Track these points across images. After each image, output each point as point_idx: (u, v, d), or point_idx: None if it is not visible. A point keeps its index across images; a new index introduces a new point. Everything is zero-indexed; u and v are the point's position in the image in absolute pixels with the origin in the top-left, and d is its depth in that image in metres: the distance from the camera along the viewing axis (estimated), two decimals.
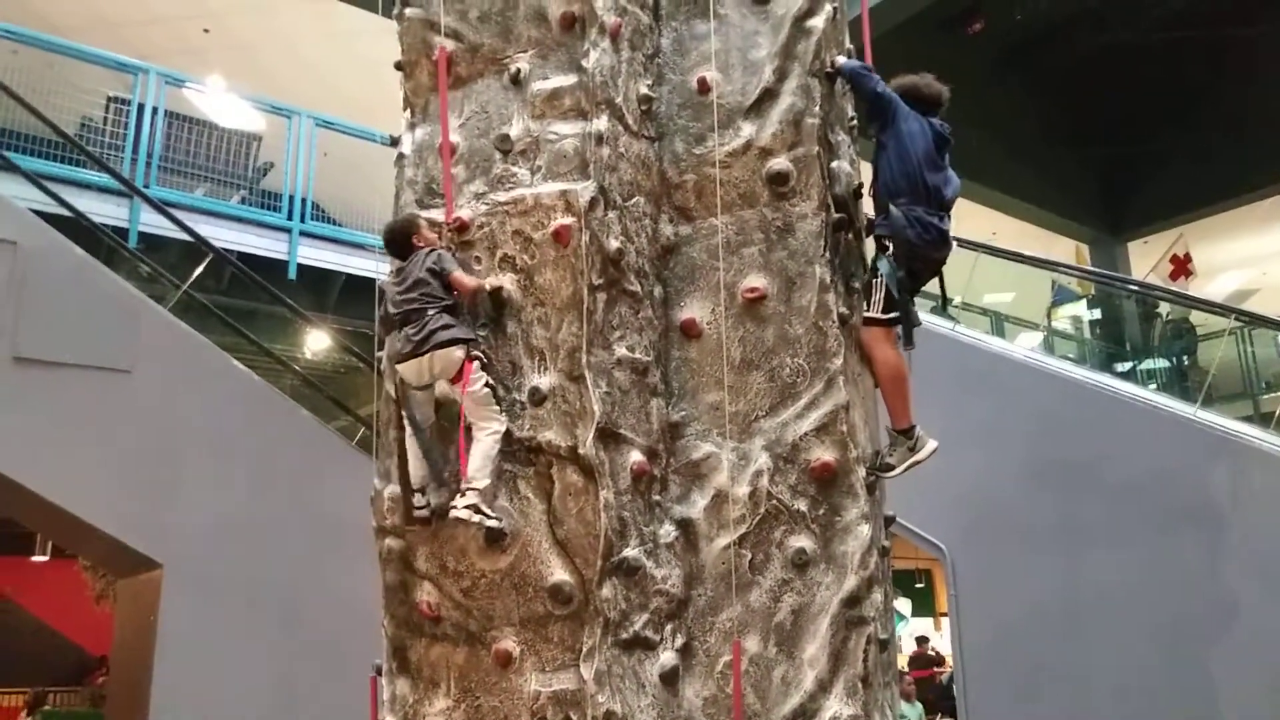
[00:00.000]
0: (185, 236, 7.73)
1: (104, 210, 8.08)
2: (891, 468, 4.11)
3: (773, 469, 3.98)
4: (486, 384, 3.81)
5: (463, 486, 3.74)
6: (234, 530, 6.37)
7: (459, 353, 3.79)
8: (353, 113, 10.47)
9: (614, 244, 3.96)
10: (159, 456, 6.24)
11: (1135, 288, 13.20)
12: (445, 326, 3.81)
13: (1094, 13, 14.22)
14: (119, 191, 8.21)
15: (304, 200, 9.42)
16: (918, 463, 4.08)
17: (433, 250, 3.98)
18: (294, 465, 6.74)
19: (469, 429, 3.83)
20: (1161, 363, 12.48)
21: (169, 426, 6.31)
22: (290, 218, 9.31)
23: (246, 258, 8.54)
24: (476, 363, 3.79)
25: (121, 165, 8.50)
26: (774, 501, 3.96)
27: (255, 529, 6.45)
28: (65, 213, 7.36)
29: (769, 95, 4.25)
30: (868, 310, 4.20)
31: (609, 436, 3.81)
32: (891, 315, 4.15)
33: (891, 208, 4.14)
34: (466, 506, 3.68)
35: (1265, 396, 10.86)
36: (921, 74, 4.37)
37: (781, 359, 4.08)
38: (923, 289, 4.45)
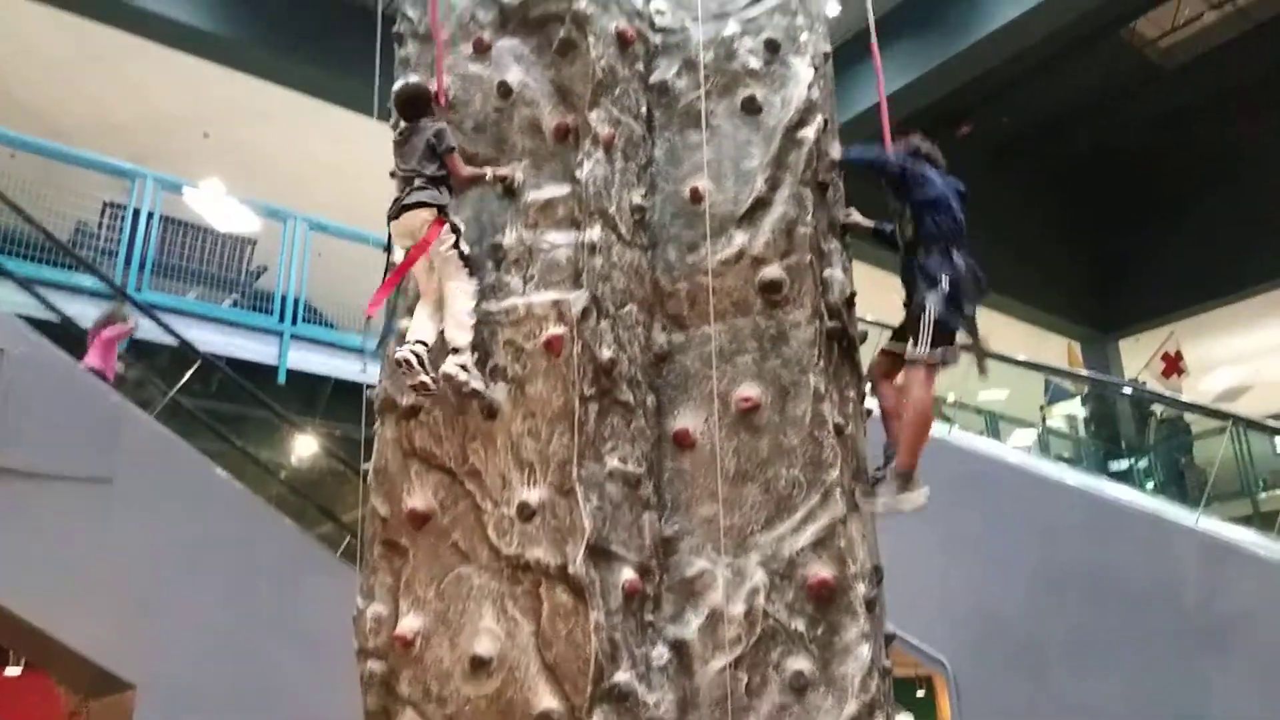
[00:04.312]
0: (175, 341, 7.69)
1: (96, 315, 8.03)
2: (879, 497, 4.08)
3: (769, 586, 3.83)
4: (456, 248, 3.95)
5: (449, 347, 3.85)
6: (211, 649, 6.12)
7: (426, 214, 3.93)
8: (350, 212, 10.55)
9: (606, 353, 3.90)
10: (136, 569, 6.04)
11: (1129, 390, 13.20)
12: (420, 190, 3.98)
13: (1082, 115, 14.55)
14: (111, 296, 8.17)
15: (296, 302, 9.40)
16: (896, 510, 4.06)
17: (435, 126, 4.10)
18: (275, 579, 6.53)
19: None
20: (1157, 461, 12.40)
21: (148, 538, 6.13)
22: (281, 321, 9.27)
23: (236, 362, 8.48)
24: (446, 225, 3.94)
25: (115, 270, 8.49)
26: (771, 621, 3.79)
27: (233, 647, 6.20)
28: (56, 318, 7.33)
29: (761, 204, 4.25)
30: (914, 348, 4.10)
31: (600, 554, 3.67)
32: (939, 350, 4.08)
33: (954, 253, 4.20)
34: (457, 365, 3.78)
35: (1263, 495, 10.73)
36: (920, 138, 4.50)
37: (777, 470, 3.97)
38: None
